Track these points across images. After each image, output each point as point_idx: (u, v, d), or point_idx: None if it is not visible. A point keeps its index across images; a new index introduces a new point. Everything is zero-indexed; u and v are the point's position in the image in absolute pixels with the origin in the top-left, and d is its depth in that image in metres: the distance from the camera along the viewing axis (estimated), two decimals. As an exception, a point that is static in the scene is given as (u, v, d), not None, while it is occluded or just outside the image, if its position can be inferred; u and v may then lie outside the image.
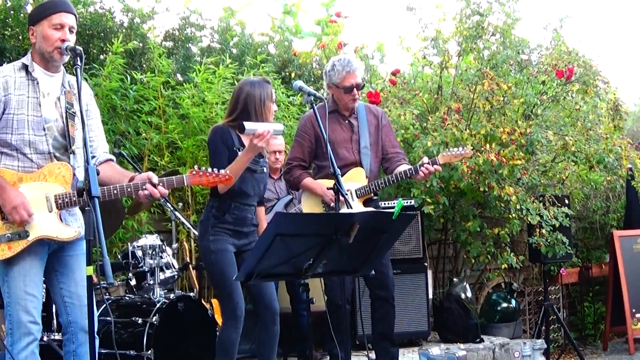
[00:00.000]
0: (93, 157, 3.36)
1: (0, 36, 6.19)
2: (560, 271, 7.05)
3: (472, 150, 4.93)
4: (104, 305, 4.48)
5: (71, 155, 3.28)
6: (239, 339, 3.95)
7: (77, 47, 3.14)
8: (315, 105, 3.83)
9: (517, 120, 6.15)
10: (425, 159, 4.37)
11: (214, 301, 5.23)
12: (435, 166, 4.31)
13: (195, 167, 3.42)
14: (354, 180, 4.49)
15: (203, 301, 5.01)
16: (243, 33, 8.27)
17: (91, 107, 3.45)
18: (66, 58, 3.26)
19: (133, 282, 4.90)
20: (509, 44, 6.36)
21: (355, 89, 4.48)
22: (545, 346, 6.08)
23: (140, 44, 6.84)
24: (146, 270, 4.83)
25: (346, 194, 3.57)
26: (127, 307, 4.71)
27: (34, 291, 3.15)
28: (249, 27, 8.48)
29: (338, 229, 2.89)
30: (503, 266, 6.29)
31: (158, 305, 4.48)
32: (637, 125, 10.23)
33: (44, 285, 3.40)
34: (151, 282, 4.80)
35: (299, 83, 3.87)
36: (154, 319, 4.39)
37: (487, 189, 5.91)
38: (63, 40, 3.20)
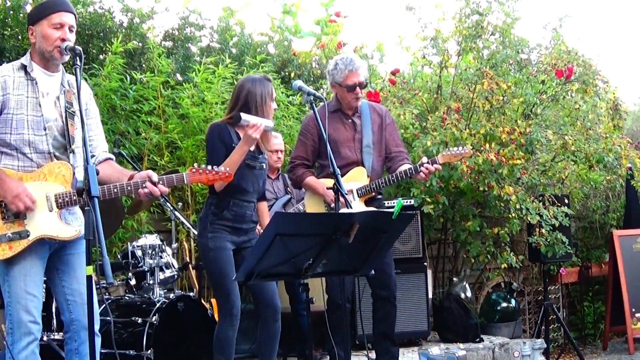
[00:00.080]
0: (92, 156, 3.36)
1: (0, 36, 6.19)
2: (560, 271, 7.05)
3: (471, 149, 4.93)
4: (104, 305, 4.47)
5: (71, 155, 3.28)
6: (239, 338, 3.95)
7: (77, 47, 3.14)
8: (315, 104, 3.83)
9: (517, 119, 6.15)
10: (425, 159, 4.37)
11: (214, 301, 5.23)
12: (435, 165, 4.31)
13: (195, 164, 3.42)
14: (356, 179, 4.49)
15: (203, 301, 5.01)
16: (242, 33, 8.27)
17: (90, 106, 3.45)
18: (66, 58, 3.26)
19: (133, 282, 4.89)
20: (509, 43, 6.36)
21: (358, 87, 4.48)
22: (545, 346, 6.08)
23: (140, 44, 6.85)
24: (146, 270, 4.83)
25: (346, 194, 3.56)
26: (127, 307, 4.71)
27: (34, 291, 3.15)
28: (248, 27, 8.50)
29: (338, 229, 2.89)
30: (503, 266, 6.29)
31: (158, 305, 4.48)
32: (637, 125, 10.23)
33: (44, 285, 3.39)
34: (151, 281, 4.80)
35: (298, 83, 3.87)
36: (153, 319, 4.39)
37: (486, 189, 5.91)
38: (63, 40, 3.20)
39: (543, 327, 6.43)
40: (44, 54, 3.24)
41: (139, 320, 4.43)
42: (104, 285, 4.23)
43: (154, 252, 4.87)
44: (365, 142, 4.54)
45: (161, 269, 4.87)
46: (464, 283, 6.30)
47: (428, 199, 5.73)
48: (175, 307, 4.57)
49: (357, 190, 4.47)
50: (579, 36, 11.46)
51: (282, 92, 6.78)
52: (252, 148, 3.99)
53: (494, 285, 7.13)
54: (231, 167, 3.67)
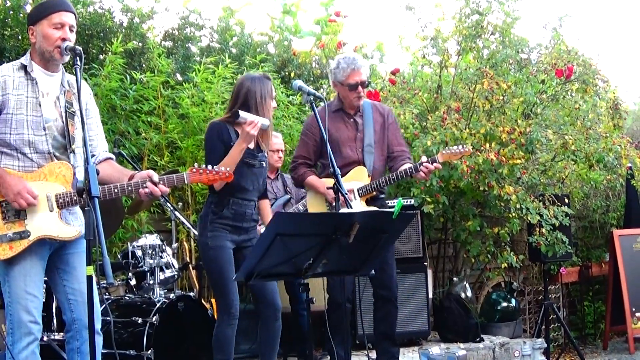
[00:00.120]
0: (92, 155, 3.35)
1: (0, 36, 6.19)
2: (560, 270, 7.05)
3: (471, 149, 4.93)
4: (104, 305, 4.47)
5: (71, 155, 3.28)
6: (240, 338, 3.95)
7: (77, 47, 3.14)
8: (315, 104, 3.82)
9: (517, 119, 6.15)
10: (424, 158, 4.36)
11: (214, 301, 5.23)
12: (435, 164, 4.31)
13: (195, 164, 3.42)
14: (357, 179, 4.49)
15: (203, 301, 5.01)
16: (242, 33, 8.27)
17: (90, 106, 3.45)
18: (66, 58, 3.26)
19: (133, 282, 4.89)
20: (509, 43, 6.36)
21: (360, 86, 4.48)
22: (545, 345, 6.08)
23: (140, 44, 6.85)
24: (146, 270, 4.83)
25: (346, 194, 3.56)
26: (127, 307, 4.71)
27: (34, 291, 3.15)
28: (248, 27, 8.50)
29: (338, 229, 2.89)
30: (503, 265, 6.29)
31: (158, 305, 4.48)
32: (637, 124, 10.23)
33: (44, 285, 3.39)
34: (151, 281, 4.80)
35: (298, 83, 3.87)
36: (153, 319, 4.39)
37: (487, 188, 5.91)
38: (64, 39, 3.20)
39: (543, 327, 6.43)
40: (44, 54, 3.24)
41: (139, 321, 4.43)
42: (104, 285, 4.23)
43: (154, 252, 4.87)
44: (367, 142, 4.54)
45: (161, 269, 4.87)
46: (464, 283, 6.30)
47: (428, 199, 5.73)
48: (175, 307, 4.57)
49: (357, 189, 4.46)
50: (579, 36, 11.49)
51: (282, 92, 6.78)
52: (252, 146, 3.98)
53: (494, 284, 7.13)
54: (229, 165, 3.67)
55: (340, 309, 4.14)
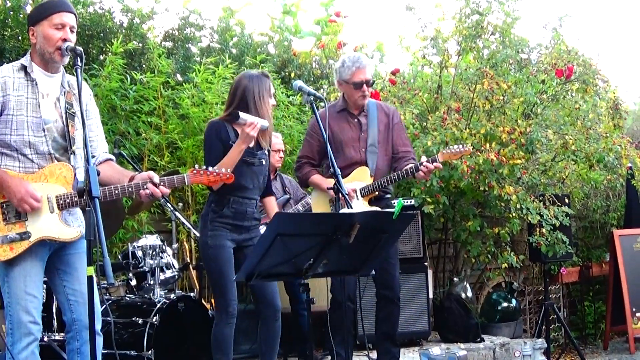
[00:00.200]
0: (93, 157, 3.35)
1: (0, 37, 6.19)
2: (561, 270, 7.05)
3: (471, 148, 4.93)
4: (104, 305, 4.47)
5: (71, 156, 3.28)
6: (240, 338, 3.95)
7: (77, 47, 3.14)
8: (315, 104, 3.82)
9: (517, 119, 6.15)
10: (424, 158, 4.36)
11: (214, 301, 5.23)
12: (435, 164, 4.30)
13: (196, 166, 3.42)
14: (359, 179, 4.49)
15: (203, 301, 5.01)
16: (242, 33, 8.27)
17: (90, 107, 3.45)
18: (66, 59, 3.26)
19: (133, 283, 4.89)
20: (509, 43, 6.36)
21: (365, 85, 4.48)
22: (546, 345, 6.08)
23: (140, 44, 6.85)
24: (146, 270, 4.83)
25: (346, 194, 3.57)
26: (128, 308, 4.71)
27: (34, 291, 3.15)
28: (248, 27, 8.50)
29: (338, 229, 2.89)
30: (503, 265, 6.29)
31: (158, 305, 4.48)
32: (637, 124, 10.23)
33: (44, 285, 3.39)
34: (151, 282, 4.80)
35: (298, 83, 3.87)
36: (154, 319, 4.39)
37: (487, 189, 5.91)
38: (64, 40, 3.20)
39: (544, 327, 6.43)
40: (45, 54, 3.24)
41: (140, 321, 4.44)
42: (105, 285, 4.23)
43: (154, 253, 4.87)
44: (370, 141, 4.54)
45: (162, 270, 4.87)
46: (465, 283, 6.30)
47: (428, 199, 5.73)
48: (175, 307, 4.57)
49: (360, 190, 4.46)
50: (579, 36, 11.48)
51: (282, 92, 6.78)
52: (251, 144, 3.98)
53: (495, 285, 7.13)
54: (228, 165, 3.67)
55: (342, 309, 4.14)
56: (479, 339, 5.80)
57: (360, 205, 4.37)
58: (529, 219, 5.89)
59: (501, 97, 6.12)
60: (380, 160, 4.55)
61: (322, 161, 4.63)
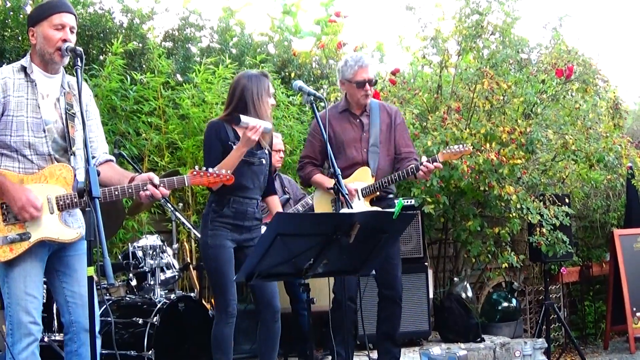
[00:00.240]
0: (93, 157, 3.35)
1: (0, 37, 6.19)
2: (561, 270, 7.05)
3: (471, 148, 4.93)
4: (105, 305, 4.47)
5: (71, 157, 3.28)
6: (240, 338, 3.95)
7: (77, 47, 3.14)
8: (315, 105, 3.82)
9: (517, 119, 6.15)
10: (424, 158, 4.36)
11: (214, 301, 5.23)
12: (435, 164, 4.31)
13: (196, 167, 3.42)
14: (361, 179, 4.49)
15: (203, 301, 5.01)
16: (242, 33, 8.27)
17: (90, 107, 3.45)
18: (66, 60, 3.26)
19: (134, 283, 4.89)
20: (509, 43, 6.37)
21: (367, 84, 4.48)
22: (546, 345, 6.08)
23: (140, 45, 6.84)
24: (147, 270, 4.83)
25: (346, 194, 3.57)
26: (128, 308, 4.71)
27: (34, 292, 3.15)
28: (248, 27, 8.49)
29: (338, 229, 2.89)
30: (503, 265, 6.29)
31: (159, 305, 4.48)
32: (637, 124, 10.23)
33: (45, 286, 3.39)
34: (152, 282, 4.80)
35: (298, 83, 3.87)
36: (154, 320, 4.39)
37: (487, 188, 5.91)
38: (64, 40, 3.20)
39: (544, 327, 6.43)
40: (45, 55, 3.24)
41: (140, 321, 4.44)
42: (105, 286, 4.23)
43: (154, 253, 4.87)
44: (372, 142, 4.53)
45: (162, 270, 4.87)
46: (465, 283, 6.30)
47: (429, 199, 5.73)
48: (176, 307, 4.57)
49: (361, 190, 4.46)
50: (579, 36, 11.47)
51: (283, 92, 6.77)
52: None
53: (495, 284, 7.13)
54: (229, 167, 3.67)
55: (347, 308, 4.15)
56: (479, 339, 5.81)
57: (361, 206, 4.37)
58: (529, 218, 5.90)
59: (501, 97, 6.12)
60: (381, 160, 4.55)
61: (325, 161, 4.63)
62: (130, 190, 3.22)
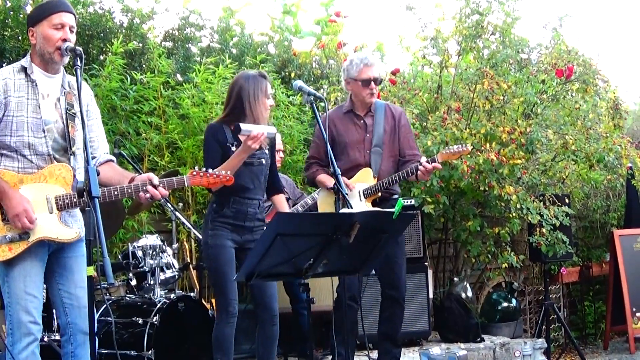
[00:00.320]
0: (93, 157, 3.36)
1: (0, 37, 6.18)
2: (561, 270, 7.05)
3: (472, 148, 4.93)
4: (105, 305, 4.48)
5: (71, 157, 3.28)
6: (240, 338, 3.95)
7: (77, 47, 3.15)
8: (315, 104, 3.82)
9: (517, 119, 6.15)
10: (424, 159, 4.36)
11: (215, 301, 5.23)
12: (434, 164, 4.30)
13: (196, 167, 3.42)
14: (363, 180, 4.49)
15: (203, 301, 5.01)
16: (243, 33, 8.26)
17: (91, 107, 3.45)
18: (66, 60, 3.26)
19: (133, 282, 4.89)
20: (509, 43, 6.37)
21: (373, 82, 4.48)
22: (546, 345, 6.08)
23: (140, 45, 6.84)
24: (146, 270, 4.83)
25: (346, 194, 3.57)
26: (128, 308, 4.71)
27: (34, 292, 3.15)
28: (248, 27, 8.48)
29: (338, 229, 2.89)
30: (503, 265, 6.29)
31: (158, 305, 4.48)
32: (637, 124, 10.22)
33: (44, 286, 3.40)
34: (151, 282, 4.80)
35: (298, 83, 3.87)
36: (154, 319, 4.39)
37: (487, 189, 5.91)
38: (64, 40, 3.20)
39: (544, 327, 6.43)
40: (45, 55, 3.24)
41: (140, 321, 4.44)
42: (105, 285, 4.23)
43: (154, 253, 4.87)
44: (375, 142, 4.53)
45: (162, 270, 4.87)
46: (465, 283, 6.31)
47: (428, 199, 5.73)
48: (175, 307, 4.57)
49: (362, 191, 4.46)
50: (579, 36, 11.45)
51: (282, 92, 6.77)
52: None
53: (495, 285, 7.13)
54: (228, 170, 3.66)
55: (350, 308, 4.14)
56: (479, 339, 5.81)
57: (363, 207, 4.37)
58: (529, 218, 5.89)
59: (501, 97, 6.12)
60: (384, 161, 4.54)
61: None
62: (129, 191, 3.22)
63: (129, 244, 5.03)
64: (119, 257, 5.06)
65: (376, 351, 4.76)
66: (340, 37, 6.90)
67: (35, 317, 3.15)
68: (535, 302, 7.55)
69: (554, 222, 5.95)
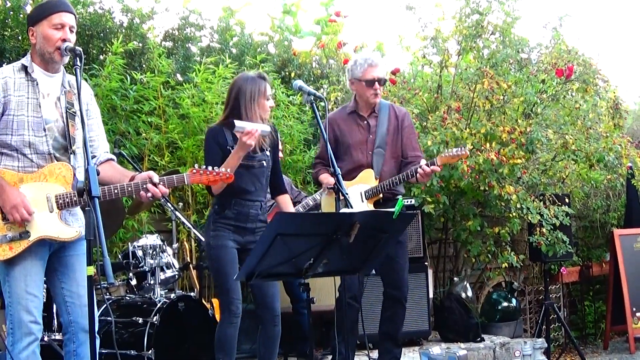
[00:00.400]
0: (94, 156, 3.36)
1: (0, 37, 6.19)
2: (561, 270, 7.05)
3: (471, 149, 4.92)
4: (105, 305, 4.48)
5: (71, 156, 3.29)
6: (241, 338, 3.94)
7: (77, 47, 3.15)
8: (315, 104, 3.82)
9: (517, 119, 6.15)
10: (423, 162, 4.35)
11: (215, 301, 5.24)
12: (433, 167, 4.29)
13: (196, 165, 3.42)
14: (365, 181, 4.48)
15: (203, 301, 5.01)
16: (242, 33, 8.26)
17: (91, 106, 3.46)
18: (66, 59, 3.26)
19: (134, 282, 4.90)
20: (509, 42, 6.37)
21: (377, 82, 4.48)
22: (546, 345, 6.08)
23: (140, 44, 6.84)
24: (147, 270, 4.83)
25: (346, 194, 3.57)
26: (128, 307, 4.71)
27: (35, 291, 3.15)
28: (248, 27, 8.48)
29: (338, 229, 2.89)
30: (503, 265, 6.29)
31: (158, 305, 4.48)
32: (637, 124, 10.23)
33: (45, 285, 3.40)
34: (152, 282, 4.80)
35: (298, 83, 3.87)
36: (154, 319, 4.39)
37: (487, 188, 5.91)
38: (64, 40, 3.21)
39: (544, 327, 6.44)
40: (44, 55, 3.24)
41: (140, 321, 4.44)
42: (105, 285, 4.23)
43: (154, 252, 4.87)
44: (378, 143, 4.53)
45: (162, 269, 4.87)
46: (465, 282, 6.31)
47: (429, 199, 5.73)
48: (176, 307, 4.57)
49: (364, 192, 4.45)
50: (579, 35, 11.45)
51: (282, 92, 6.77)
52: None
53: (495, 284, 7.13)
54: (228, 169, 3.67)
55: (350, 308, 4.14)
56: (479, 339, 5.81)
57: (363, 207, 4.37)
58: (529, 218, 5.90)
59: (501, 97, 6.12)
60: (386, 162, 4.53)
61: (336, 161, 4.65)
62: (129, 189, 3.23)
63: (129, 243, 5.03)
64: (119, 256, 5.06)
65: (376, 351, 4.76)
66: (340, 37, 6.91)
67: (36, 317, 3.15)
68: (535, 301, 7.56)
69: (554, 222, 5.96)
